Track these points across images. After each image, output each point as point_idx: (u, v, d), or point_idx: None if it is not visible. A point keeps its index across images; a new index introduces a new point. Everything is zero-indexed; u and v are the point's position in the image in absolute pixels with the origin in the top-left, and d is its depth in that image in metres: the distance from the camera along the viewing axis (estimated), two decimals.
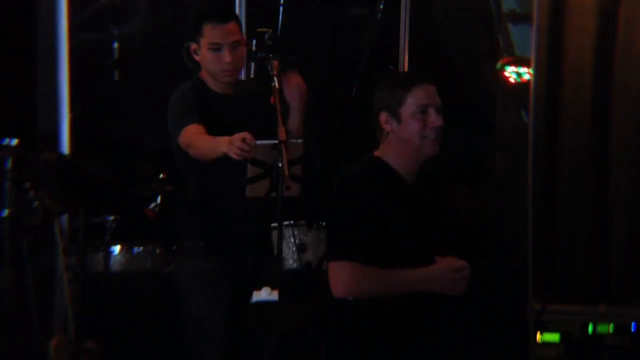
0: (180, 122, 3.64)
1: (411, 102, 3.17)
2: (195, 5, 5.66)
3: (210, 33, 3.66)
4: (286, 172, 3.17)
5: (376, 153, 3.29)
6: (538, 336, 4.73)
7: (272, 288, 3.05)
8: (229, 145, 3.27)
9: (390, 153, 3.25)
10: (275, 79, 3.47)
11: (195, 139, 3.56)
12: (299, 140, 3.29)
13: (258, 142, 3.26)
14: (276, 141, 3.21)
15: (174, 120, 3.68)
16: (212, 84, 3.76)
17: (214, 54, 3.67)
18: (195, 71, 3.84)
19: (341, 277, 3.12)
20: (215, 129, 3.62)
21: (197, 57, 3.76)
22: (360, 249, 3.12)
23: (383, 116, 3.22)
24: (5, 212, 4.05)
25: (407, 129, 3.18)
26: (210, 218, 3.73)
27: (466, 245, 3.37)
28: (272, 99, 3.38)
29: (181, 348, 4.78)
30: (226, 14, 3.72)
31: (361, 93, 5.49)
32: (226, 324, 3.73)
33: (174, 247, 5.10)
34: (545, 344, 4.72)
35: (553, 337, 4.67)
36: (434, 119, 3.17)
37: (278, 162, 3.19)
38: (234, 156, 3.26)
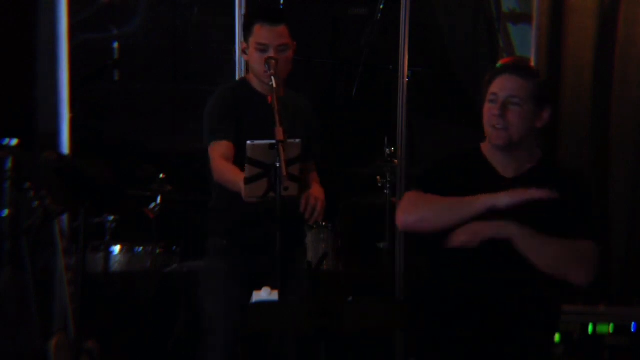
0: (211, 134, 3.70)
1: (489, 91, 3.16)
2: (195, 5, 5.69)
3: (259, 33, 3.68)
4: (284, 172, 3.17)
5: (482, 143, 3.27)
6: None
7: (272, 288, 3.04)
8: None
9: (487, 142, 3.24)
10: (273, 78, 3.47)
11: (220, 167, 3.61)
12: (297, 140, 3.28)
13: (256, 142, 3.26)
14: (274, 141, 3.20)
15: (206, 127, 3.74)
16: (256, 84, 3.78)
17: (260, 55, 3.67)
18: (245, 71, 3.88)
19: (401, 205, 3.13)
20: (251, 128, 3.64)
21: (245, 57, 3.79)
22: (426, 183, 3.12)
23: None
24: (5, 212, 4.06)
25: (483, 118, 3.18)
26: (235, 217, 3.75)
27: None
28: (269, 99, 3.38)
29: (181, 348, 4.80)
30: (277, 17, 3.73)
31: (361, 93, 5.49)
32: (238, 321, 3.73)
33: (174, 247, 5.14)
34: None
35: None
36: (492, 108, 3.13)
37: (276, 162, 3.19)
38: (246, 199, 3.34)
